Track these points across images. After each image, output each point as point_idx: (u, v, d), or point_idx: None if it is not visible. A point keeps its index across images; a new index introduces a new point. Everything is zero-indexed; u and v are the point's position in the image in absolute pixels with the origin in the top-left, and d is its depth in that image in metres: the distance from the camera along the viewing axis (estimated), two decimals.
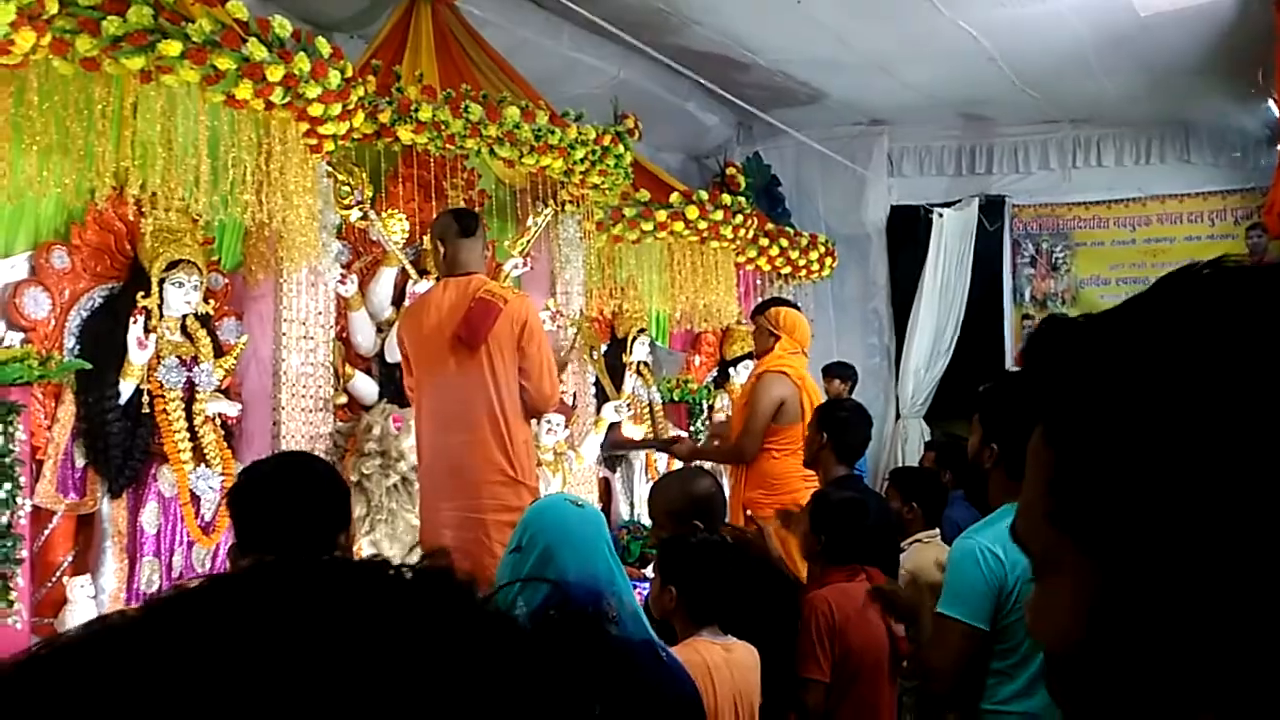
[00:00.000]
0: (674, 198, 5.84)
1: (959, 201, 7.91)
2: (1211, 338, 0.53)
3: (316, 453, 4.15)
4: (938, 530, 3.78)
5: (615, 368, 5.96)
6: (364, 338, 4.53)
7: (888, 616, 2.85)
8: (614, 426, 5.68)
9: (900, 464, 7.31)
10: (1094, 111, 7.33)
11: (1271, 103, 5.94)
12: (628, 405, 5.79)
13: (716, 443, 5.08)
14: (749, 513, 4.23)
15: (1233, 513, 0.49)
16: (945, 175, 8.03)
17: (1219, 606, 0.50)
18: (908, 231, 7.90)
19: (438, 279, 4.42)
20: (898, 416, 7.92)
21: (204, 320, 3.97)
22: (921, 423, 7.84)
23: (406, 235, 4.60)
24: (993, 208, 7.91)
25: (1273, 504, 0.48)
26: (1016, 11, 5.45)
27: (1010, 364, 7.99)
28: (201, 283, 3.89)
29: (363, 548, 4.22)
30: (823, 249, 7.20)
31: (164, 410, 3.78)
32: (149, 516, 3.74)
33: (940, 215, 7.83)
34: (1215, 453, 0.50)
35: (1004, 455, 2.47)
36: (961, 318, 7.83)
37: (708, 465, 4.86)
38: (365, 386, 4.48)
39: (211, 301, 4.02)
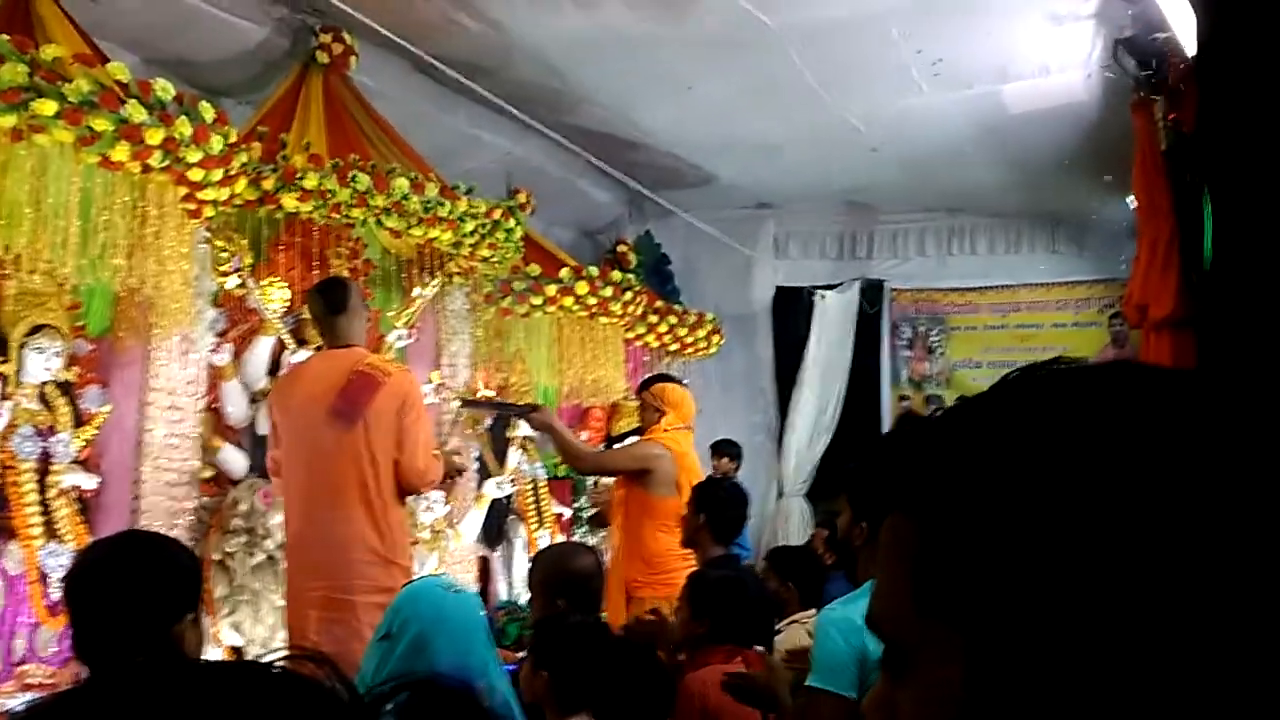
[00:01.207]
0: (564, 273, 5.86)
1: (841, 284, 8.15)
2: (1049, 425, 0.55)
3: (178, 529, 3.98)
4: (814, 611, 3.80)
5: (499, 443, 5.90)
6: (235, 409, 4.38)
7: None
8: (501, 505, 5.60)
9: (782, 542, 7.38)
10: (968, 201, 7.67)
11: (1130, 198, 6.30)
12: (511, 481, 5.71)
13: (596, 510, 5.06)
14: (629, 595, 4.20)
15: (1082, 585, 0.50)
16: (829, 258, 8.26)
17: (1094, 681, 0.50)
18: (792, 312, 8.10)
19: (317, 349, 4.34)
20: (780, 494, 8.01)
21: (65, 388, 3.79)
22: (804, 501, 7.94)
23: (286, 304, 4.49)
24: (873, 291, 8.17)
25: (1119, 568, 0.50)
26: (897, 104, 5.69)
27: None
28: (64, 349, 3.72)
29: (222, 630, 4.02)
30: (710, 327, 7.30)
31: (15, 482, 3.58)
32: None
33: (823, 297, 8.05)
34: (1057, 520, 0.52)
35: (874, 533, 2.50)
36: (843, 397, 8.02)
37: (591, 540, 4.83)
38: (234, 460, 4.32)
39: (75, 368, 3.85)
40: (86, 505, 3.83)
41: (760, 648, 2.92)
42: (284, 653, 0.52)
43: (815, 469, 7.98)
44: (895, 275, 8.18)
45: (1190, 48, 3.57)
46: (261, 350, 4.46)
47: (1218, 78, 3.18)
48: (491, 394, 5.68)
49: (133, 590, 1.65)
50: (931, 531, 0.57)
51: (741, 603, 3.02)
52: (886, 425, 8.17)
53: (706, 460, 6.74)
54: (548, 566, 3.06)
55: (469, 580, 5.45)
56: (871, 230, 8.17)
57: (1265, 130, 2.89)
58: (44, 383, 3.71)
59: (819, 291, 8.07)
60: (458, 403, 5.40)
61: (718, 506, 3.83)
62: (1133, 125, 4.56)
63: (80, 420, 3.82)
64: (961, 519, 0.55)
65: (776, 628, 3.56)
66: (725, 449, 7.16)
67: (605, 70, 5.46)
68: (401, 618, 2.03)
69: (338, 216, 4.36)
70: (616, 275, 6.22)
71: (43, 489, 3.65)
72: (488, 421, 5.84)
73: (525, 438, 6.05)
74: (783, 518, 7.86)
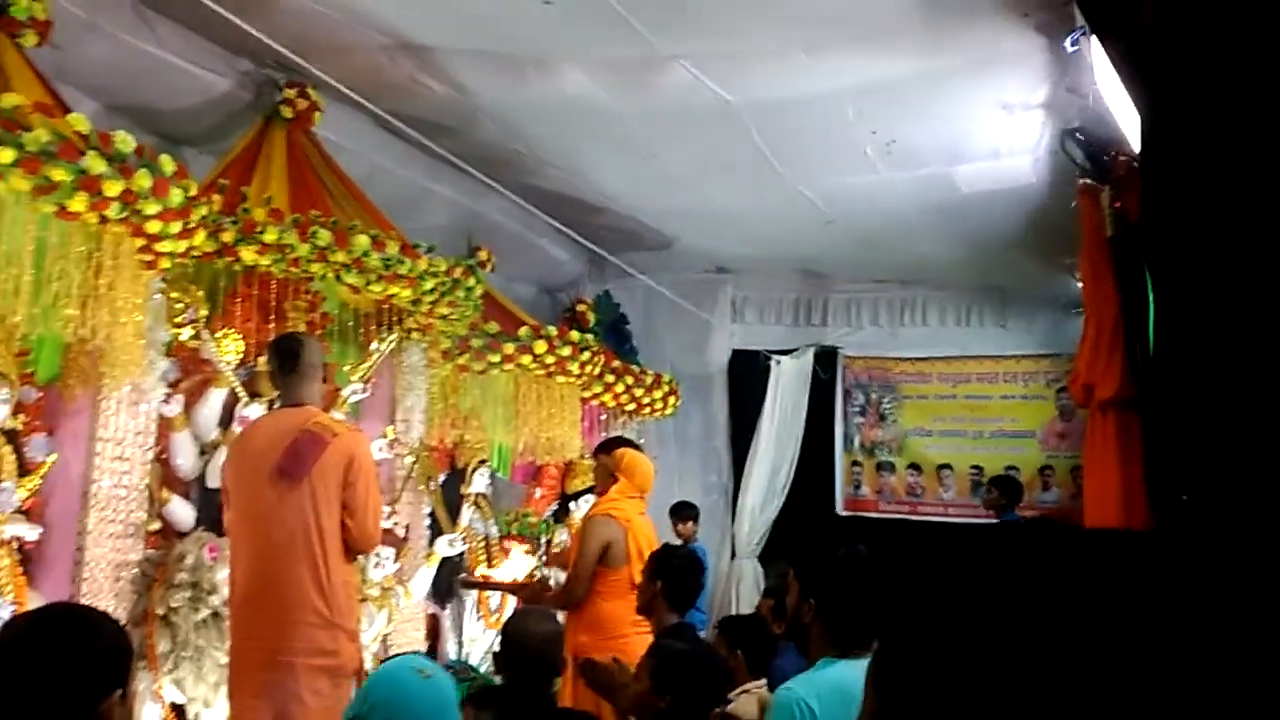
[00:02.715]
0: (523, 331, 5.88)
1: (796, 350, 8.26)
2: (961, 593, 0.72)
3: (122, 581, 3.90)
4: (765, 680, 3.80)
5: (453, 500, 5.86)
6: (185, 460, 4.32)
7: None
8: (453, 562, 5.56)
9: (735, 603, 7.37)
10: (920, 274, 7.83)
11: (1075, 277, 6.47)
12: (462, 539, 5.67)
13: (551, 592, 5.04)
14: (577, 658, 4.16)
15: None
16: (784, 324, 8.38)
17: None
18: (748, 375, 8.19)
19: (270, 403, 4.31)
20: (734, 555, 8.02)
21: (10, 436, 3.73)
22: (756, 563, 7.96)
23: (241, 356, 4.47)
24: (827, 357, 8.29)
25: None
26: (851, 180, 5.83)
27: (841, 508, 8.25)
28: (11, 396, 3.67)
29: (164, 686, 3.93)
30: (667, 388, 7.35)
31: None
32: None
33: (778, 362, 8.15)
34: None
35: (820, 611, 2.53)
36: (796, 460, 8.09)
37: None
38: (181, 512, 4.25)
39: (20, 416, 3.78)
40: (27, 556, 3.75)
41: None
42: None
43: (768, 531, 8.01)
44: (849, 343, 8.30)
45: (1135, 141, 3.70)
46: (214, 401, 4.42)
47: (1161, 170, 3.30)
48: (488, 574, 5.73)
49: (54, 670, 1.60)
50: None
51: (704, 680, 3.02)
52: (839, 489, 8.24)
53: (664, 522, 6.75)
54: (515, 634, 3.04)
55: (419, 638, 5.38)
56: (826, 298, 8.30)
57: (1206, 221, 3.00)
58: None
59: (774, 356, 8.17)
60: (413, 458, 5.37)
61: (674, 575, 3.83)
62: (1079, 209, 4.71)
63: (24, 469, 3.75)
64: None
65: (728, 697, 3.55)
66: (685, 511, 7.18)
67: (568, 136, 5.55)
68: (370, 702, 2.03)
69: (297, 270, 4.36)
70: (575, 335, 6.25)
71: None
72: (442, 477, 5.81)
73: (479, 495, 6.03)
74: (735, 579, 7.87)
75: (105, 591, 3.83)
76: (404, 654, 3.64)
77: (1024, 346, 7.93)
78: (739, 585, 7.83)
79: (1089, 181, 4.65)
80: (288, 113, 4.81)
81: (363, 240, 4.41)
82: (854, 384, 8.36)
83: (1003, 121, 4.97)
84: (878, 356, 8.27)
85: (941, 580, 0.73)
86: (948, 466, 8.10)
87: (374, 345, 5.12)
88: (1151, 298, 3.63)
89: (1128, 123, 3.83)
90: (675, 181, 6.07)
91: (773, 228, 6.83)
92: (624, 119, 5.20)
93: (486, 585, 5.61)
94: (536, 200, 6.19)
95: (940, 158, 5.47)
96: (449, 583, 5.74)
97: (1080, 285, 5.09)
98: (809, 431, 8.14)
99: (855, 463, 8.32)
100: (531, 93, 4.96)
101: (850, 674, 2.44)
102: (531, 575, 5.76)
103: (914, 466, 8.19)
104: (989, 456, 7.95)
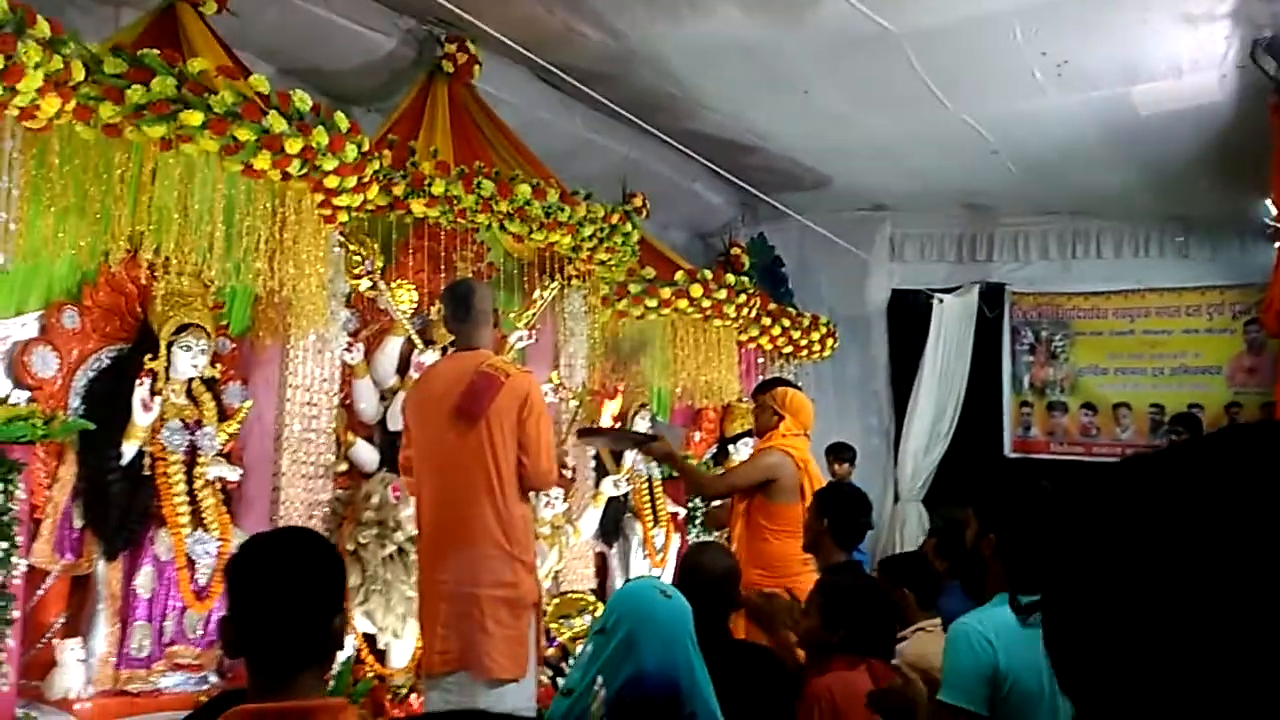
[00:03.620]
0: (679, 276, 5.91)
1: (959, 288, 8.00)
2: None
3: (315, 519, 4.15)
4: (939, 618, 3.75)
5: None
6: (367, 405, 4.55)
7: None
8: (619, 502, 5.66)
9: (899, 547, 7.28)
10: (1093, 204, 7.45)
11: (1269, 201, 6.05)
12: (627, 480, 5.78)
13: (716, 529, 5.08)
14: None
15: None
16: (946, 261, 8.13)
17: None
18: (908, 315, 7.99)
19: (443, 350, 4.47)
20: (896, 499, 7.91)
21: (210, 384, 3.99)
22: (920, 506, 7.82)
23: (414, 305, 4.65)
24: (993, 294, 8.00)
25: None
26: (1018, 106, 5.58)
27: (1009, 450, 8.00)
28: (209, 347, 3.92)
29: (355, 617, 4.18)
30: (824, 330, 7.26)
31: (165, 473, 3.78)
32: (143, 580, 3.72)
33: (941, 300, 7.92)
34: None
35: (1001, 545, 2.48)
36: (961, 402, 7.88)
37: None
38: (366, 454, 4.49)
39: (218, 365, 4.05)
40: (230, 496, 4.03)
41: (885, 659, 2.91)
42: None
43: (932, 474, 7.86)
44: (1016, 279, 7.99)
45: None
46: (391, 349, 4.63)
47: None
48: (612, 424, 5.70)
49: (303, 586, 1.72)
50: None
51: (875, 614, 3.01)
52: (1008, 431, 8.00)
53: (821, 463, 6.70)
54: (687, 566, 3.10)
55: (588, 575, 5.55)
56: (991, 233, 8.00)
57: None
58: (191, 379, 3.92)
59: (937, 294, 7.94)
60: (577, 402, 5.49)
61: (841, 511, 3.81)
62: (1271, 127, 4.38)
63: (224, 415, 4.02)
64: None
65: (900, 635, 3.52)
66: (841, 452, 7.10)
67: (722, 76, 5.49)
68: (615, 616, 2.16)
69: (463, 221, 4.49)
70: (730, 278, 6.23)
71: (190, 480, 3.85)
72: (605, 419, 5.92)
73: None
74: (899, 522, 7.76)
75: None
76: (644, 576, 3.74)
77: (1208, 277, 7.46)
78: (903, 529, 7.72)
79: None
80: (449, 67, 4.94)
81: (524, 189, 4.50)
82: (1022, 321, 8.05)
83: (1185, 34, 4.65)
84: (1048, 292, 7.93)
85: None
86: (1125, 405, 7.74)
87: (537, 293, 5.24)
88: None
89: None
90: (831, 117, 5.94)
91: (934, 161, 6.61)
92: (779, 55, 5.11)
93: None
94: (690, 144, 6.17)
95: (1116, 78, 5.17)
96: (617, 522, 5.87)
97: (1273, 210, 4.76)
98: (974, 372, 7.90)
99: (1025, 403, 8.05)
100: (686, 34, 4.93)
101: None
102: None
103: (1088, 406, 7.85)
104: (1170, 394, 7.55)
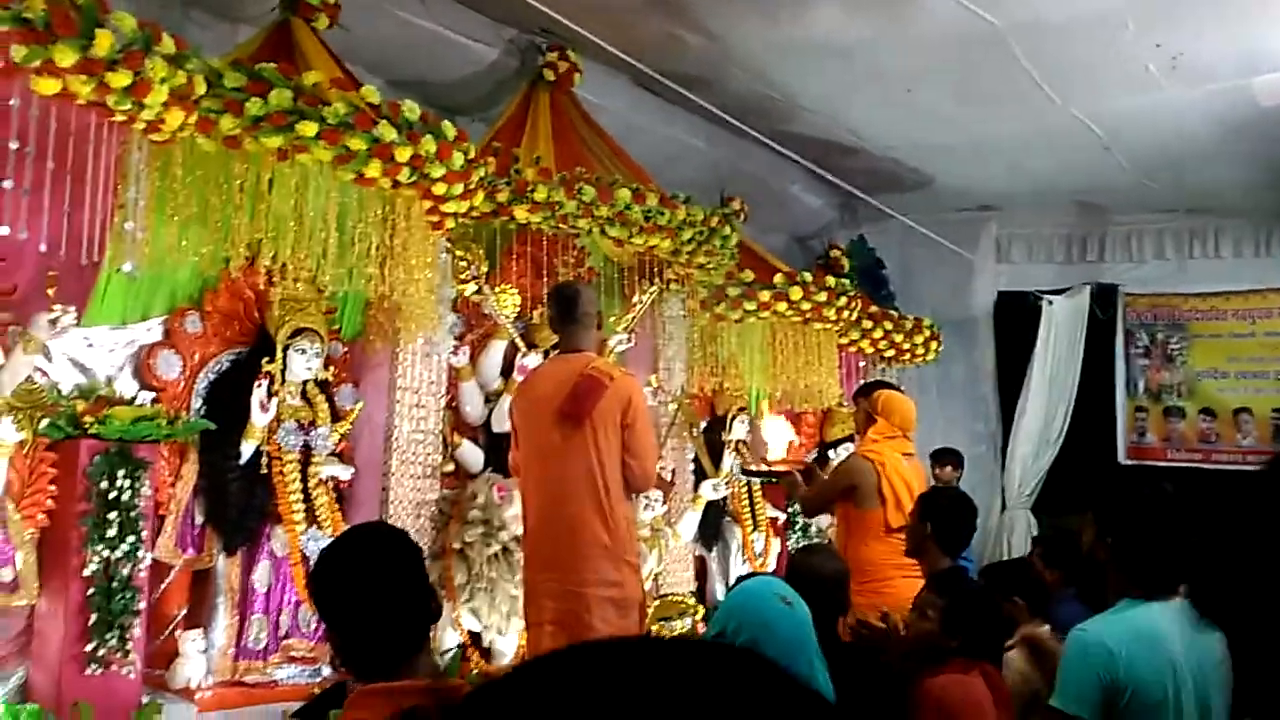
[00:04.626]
0: (778, 279, 5.87)
1: (1070, 289, 7.77)
2: None
3: (423, 518, 4.25)
4: (1048, 626, 3.65)
5: (714, 445, 5.96)
6: (473, 407, 4.65)
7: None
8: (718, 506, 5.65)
9: (1006, 555, 7.11)
10: (1211, 201, 7.16)
11: None
12: (725, 484, 5.77)
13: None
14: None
15: None
16: (1055, 262, 7.89)
17: None
18: (1016, 318, 7.78)
19: (546, 352, 4.54)
20: (1004, 507, 7.72)
21: (323, 386, 4.12)
22: (1029, 514, 7.61)
23: (517, 310, 4.74)
24: (1105, 296, 7.74)
25: None
26: (1130, 101, 5.40)
27: (1123, 457, 7.74)
28: (323, 350, 4.05)
29: (462, 615, 4.27)
30: (928, 333, 7.13)
31: (281, 472, 3.92)
32: (260, 575, 3.86)
33: (1050, 302, 7.71)
34: None
35: (1117, 551, 2.41)
36: (1072, 407, 7.64)
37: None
38: (471, 455, 4.58)
39: (331, 368, 4.18)
40: (342, 494, 4.16)
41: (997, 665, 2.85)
42: None
43: (1042, 481, 7.64)
44: (1130, 279, 7.72)
45: None
46: (495, 353, 4.72)
47: None
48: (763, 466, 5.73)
49: (386, 579, 1.75)
50: None
51: (994, 621, 2.96)
52: (1121, 437, 7.73)
53: (926, 466, 6.58)
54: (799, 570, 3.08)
55: (687, 578, 5.55)
56: (1103, 232, 7.74)
57: None
58: (305, 381, 4.05)
59: (1046, 296, 7.73)
60: (675, 405, 5.50)
61: (943, 516, 3.73)
62: None
63: (336, 416, 4.15)
64: None
65: (1007, 644, 3.45)
66: (946, 457, 6.96)
67: (821, 77, 5.45)
68: (735, 621, 2.12)
69: (565, 227, 4.55)
70: (831, 280, 6.17)
71: (304, 478, 3.98)
72: (703, 424, 5.92)
73: (739, 441, 6.10)
74: (1006, 530, 7.57)
75: (409, 527, 4.17)
76: (762, 575, 3.75)
77: None
78: (1010, 537, 7.52)
79: None
80: (550, 76, 5.01)
81: (624, 194, 4.54)
82: (1136, 323, 7.77)
83: None
84: (1163, 293, 7.64)
85: None
86: (1246, 411, 7.41)
87: (636, 297, 5.27)
88: None
89: None
90: (934, 116, 5.84)
91: (1042, 159, 6.44)
92: (880, 54, 5.05)
93: (763, 473, 5.57)
94: (788, 147, 6.14)
95: (1235, 69, 4.97)
96: (716, 526, 5.86)
97: None
98: (1086, 376, 7.65)
99: (1139, 408, 7.76)
100: (783, 35, 4.91)
101: (1156, 618, 2.31)
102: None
103: (1207, 411, 7.55)
104: None
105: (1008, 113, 5.69)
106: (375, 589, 1.74)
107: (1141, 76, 5.08)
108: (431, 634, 1.86)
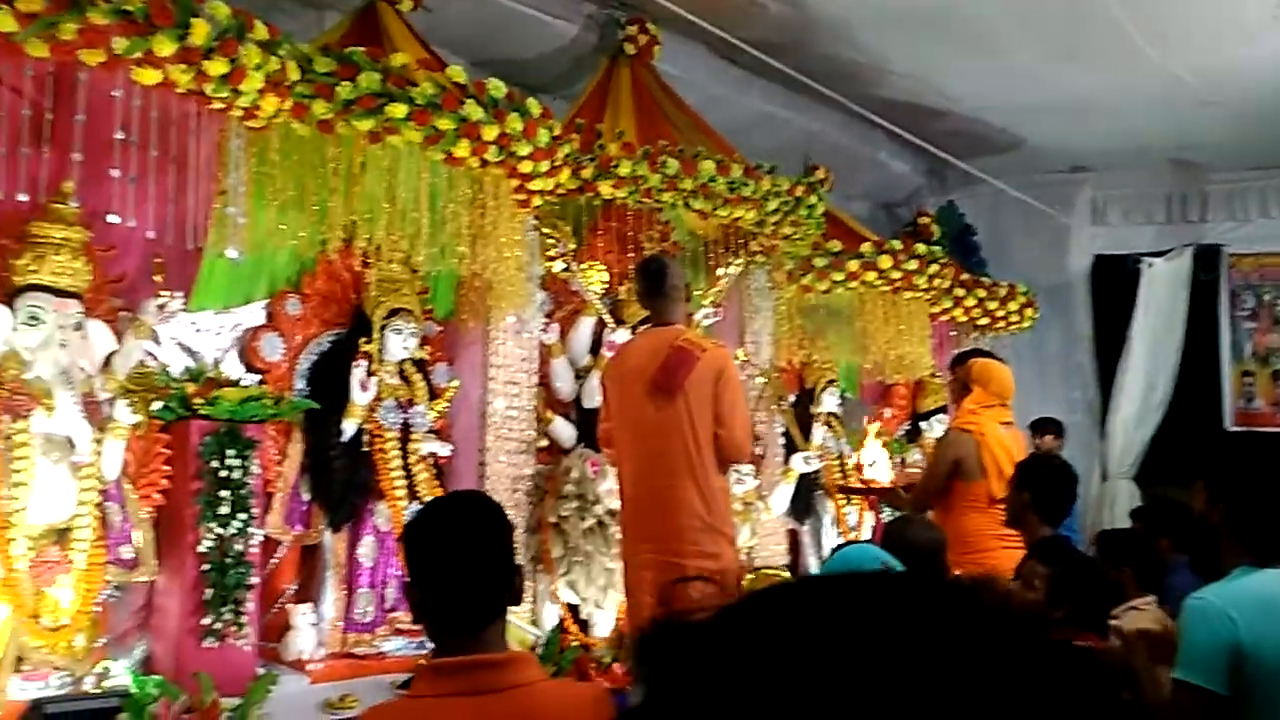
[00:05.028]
0: (866, 248, 5.79)
1: (1170, 251, 7.51)
2: None
3: (519, 493, 4.32)
4: (1154, 598, 3.56)
5: (803, 418, 5.93)
6: (564, 383, 4.69)
7: None
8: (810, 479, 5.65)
9: (1108, 526, 6.93)
10: None
11: None
12: (817, 457, 5.73)
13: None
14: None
15: None
16: (1154, 223, 7.63)
17: None
18: (1113, 282, 7.55)
19: (634, 328, 4.55)
20: (1104, 477, 7.52)
21: (419, 365, 4.20)
22: (1132, 484, 7.41)
23: (605, 286, 4.76)
24: (1207, 257, 7.46)
25: None
26: (1233, 53, 5.20)
27: (1230, 423, 7.47)
28: (418, 330, 4.12)
29: (559, 588, 4.33)
30: (1022, 300, 6.95)
31: (382, 449, 4.01)
32: (365, 549, 3.96)
33: (1149, 265, 7.46)
34: None
35: (1231, 516, 2.36)
36: (1175, 373, 7.40)
37: None
38: (564, 431, 4.63)
39: (426, 347, 4.25)
40: (441, 470, 4.24)
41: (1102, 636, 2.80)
42: None
43: (1144, 450, 7.43)
44: (1234, 239, 7.43)
45: None
46: (584, 329, 4.75)
47: None
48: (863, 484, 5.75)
49: (475, 544, 1.79)
50: None
51: (1103, 592, 2.90)
52: (1228, 403, 7.46)
53: (1026, 435, 6.44)
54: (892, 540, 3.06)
55: (780, 551, 5.54)
56: (1204, 191, 7.46)
57: None
58: (402, 360, 4.13)
59: (1145, 259, 7.48)
60: (764, 379, 5.48)
61: (1042, 485, 3.66)
62: None
63: (433, 394, 4.23)
64: None
65: (1112, 613, 3.38)
66: (1047, 426, 6.80)
67: (907, 39, 5.35)
68: None
69: (649, 201, 4.55)
70: (920, 248, 6.05)
71: (404, 455, 4.07)
72: (792, 397, 5.89)
73: (829, 414, 6.04)
74: (1108, 501, 7.37)
75: (505, 502, 4.15)
76: (862, 543, 3.72)
77: None
78: (1113, 508, 7.32)
79: None
80: (630, 49, 5.00)
81: (708, 166, 4.51)
82: (1242, 285, 7.47)
83: None
84: (1270, 252, 7.34)
85: None
86: None
87: (721, 270, 5.25)
88: None
89: None
90: (1025, 75, 5.68)
91: (1138, 116, 6.23)
92: (967, 12, 4.94)
93: (862, 490, 5.61)
94: (875, 112, 6.03)
95: None
96: (808, 499, 5.83)
97: None
98: (1189, 340, 7.39)
99: (1246, 372, 7.47)
100: None
101: (1273, 584, 2.24)
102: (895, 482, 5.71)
103: None
104: None
105: (1101, 69, 5.52)
106: (458, 550, 1.78)
107: (1243, 28, 4.89)
108: (511, 613, 1.88)
